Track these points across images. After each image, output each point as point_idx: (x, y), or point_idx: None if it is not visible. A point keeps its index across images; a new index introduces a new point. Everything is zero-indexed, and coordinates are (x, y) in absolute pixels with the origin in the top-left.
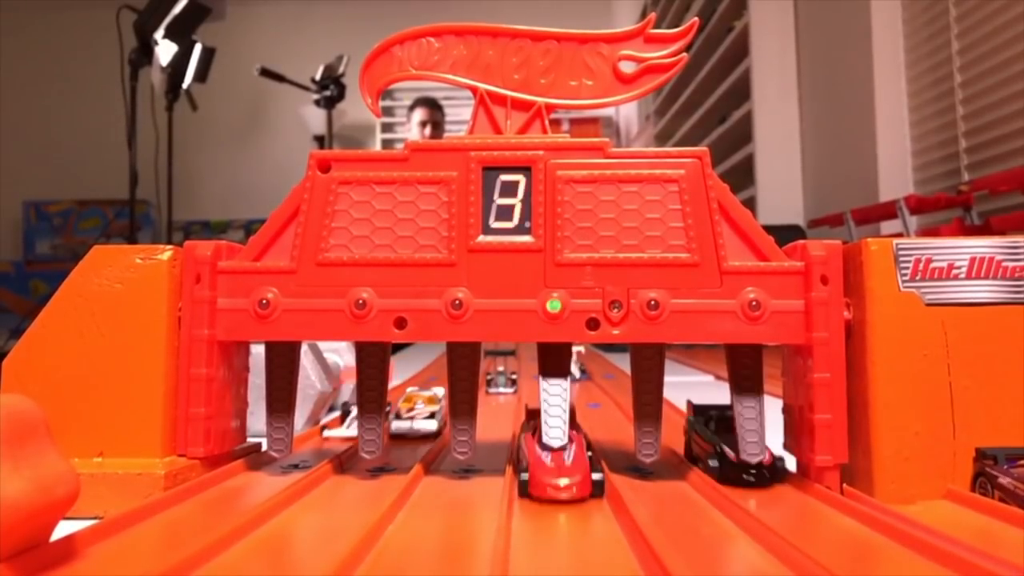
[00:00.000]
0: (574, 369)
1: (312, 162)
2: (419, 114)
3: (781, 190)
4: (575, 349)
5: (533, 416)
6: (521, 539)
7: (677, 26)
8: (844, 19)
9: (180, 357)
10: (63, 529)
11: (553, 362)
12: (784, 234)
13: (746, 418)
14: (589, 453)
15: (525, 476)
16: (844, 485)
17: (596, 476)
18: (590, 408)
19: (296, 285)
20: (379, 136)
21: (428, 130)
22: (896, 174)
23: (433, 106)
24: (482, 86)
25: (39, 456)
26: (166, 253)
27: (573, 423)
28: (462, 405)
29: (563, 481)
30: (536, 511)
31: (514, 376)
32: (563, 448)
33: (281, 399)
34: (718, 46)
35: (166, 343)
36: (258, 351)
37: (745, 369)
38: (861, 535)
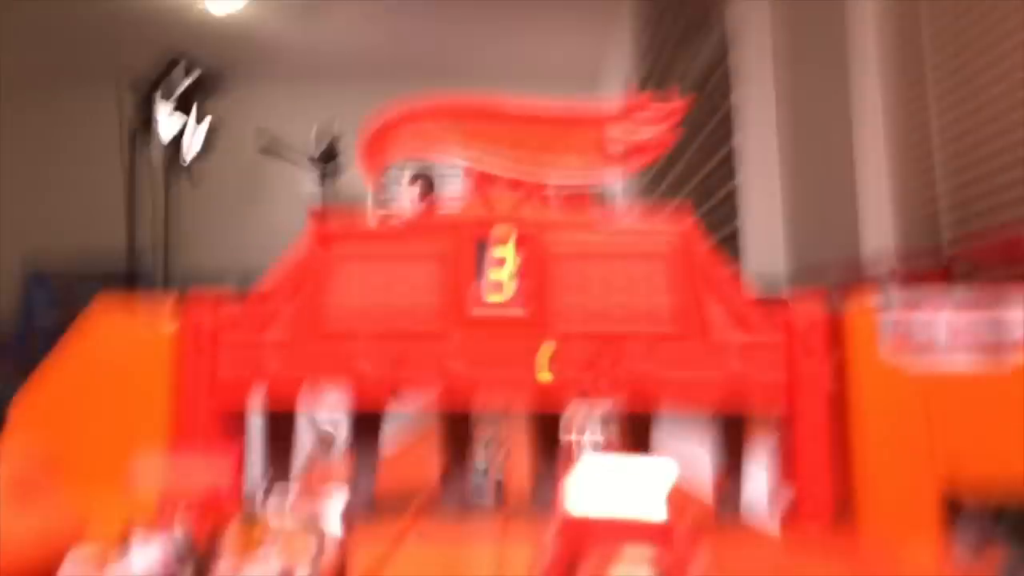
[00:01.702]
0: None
1: (312, 231)
2: (415, 189)
3: (766, 259)
4: (589, 440)
5: None
6: None
7: (663, 94)
8: (826, 90)
9: (180, 426)
10: None
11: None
12: (770, 305)
13: None
14: None
15: None
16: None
17: None
18: None
19: (296, 356)
20: (374, 201)
21: (421, 202)
22: (879, 242)
23: (427, 180)
24: (475, 165)
25: (47, 501)
26: (169, 327)
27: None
28: (456, 473)
29: None
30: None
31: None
32: None
33: (279, 467)
34: (706, 121)
35: (166, 412)
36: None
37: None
38: None
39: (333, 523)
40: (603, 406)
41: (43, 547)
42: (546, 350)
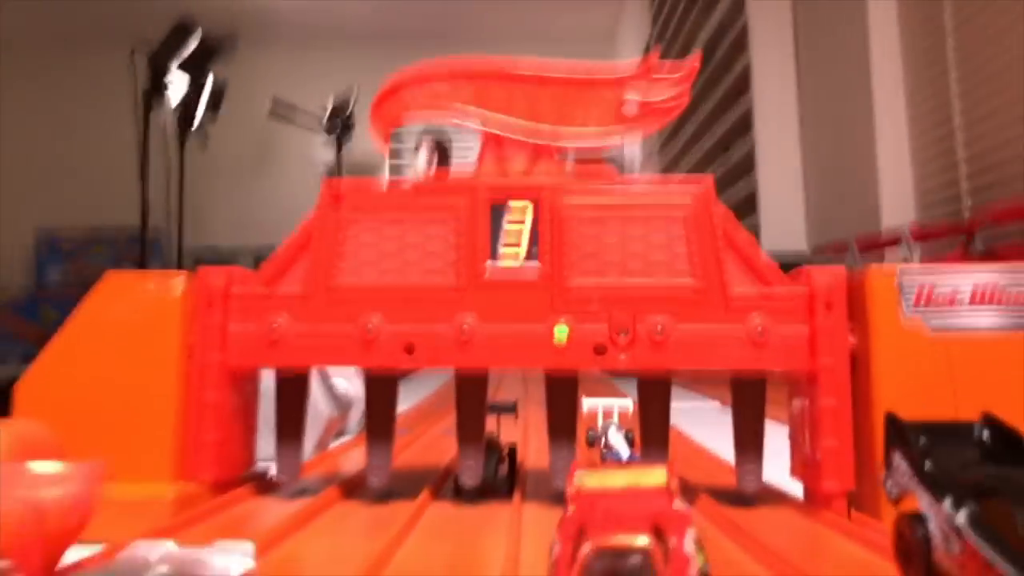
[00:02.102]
0: (618, 442)
1: (324, 193)
2: (427, 149)
3: (784, 219)
4: (615, 409)
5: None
6: (529, 565)
7: (681, 56)
8: (844, 51)
9: (191, 383)
10: (71, 555)
11: (561, 417)
12: (787, 263)
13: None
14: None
15: None
16: (851, 511)
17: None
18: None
19: (307, 311)
20: (387, 166)
21: (435, 164)
22: (898, 201)
23: (441, 140)
24: (489, 128)
25: (53, 482)
26: (179, 281)
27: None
28: (469, 432)
29: None
30: (543, 536)
31: (507, 454)
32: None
33: (290, 425)
34: (721, 80)
35: (178, 370)
36: (267, 379)
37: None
38: (868, 561)
39: None
40: (621, 407)
41: (49, 533)
42: (562, 329)
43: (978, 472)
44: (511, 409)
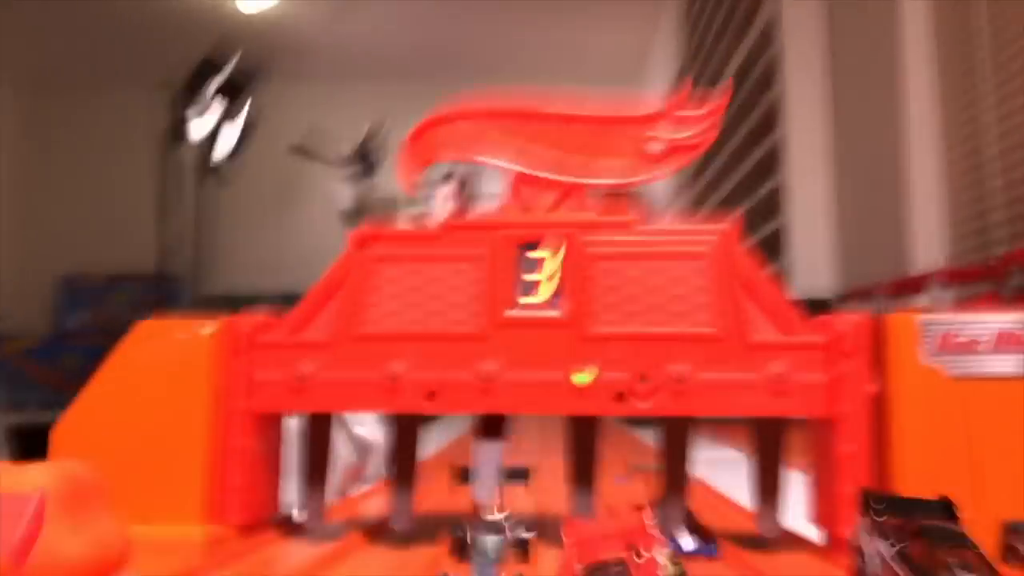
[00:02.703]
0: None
1: (351, 240)
2: (448, 190)
3: (813, 258)
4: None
5: None
6: None
7: (712, 84)
8: (876, 85)
9: (219, 429)
10: None
11: (582, 465)
12: (812, 308)
13: None
14: None
15: None
16: None
17: None
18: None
19: (332, 358)
20: (413, 206)
21: (455, 204)
22: (931, 242)
23: (461, 181)
24: (516, 167)
25: (95, 519)
26: (208, 329)
27: None
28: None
29: None
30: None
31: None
32: None
33: (316, 470)
34: (748, 116)
35: (207, 415)
36: (290, 424)
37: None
38: None
39: None
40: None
41: (90, 569)
42: (590, 372)
43: (914, 525)
44: (523, 476)
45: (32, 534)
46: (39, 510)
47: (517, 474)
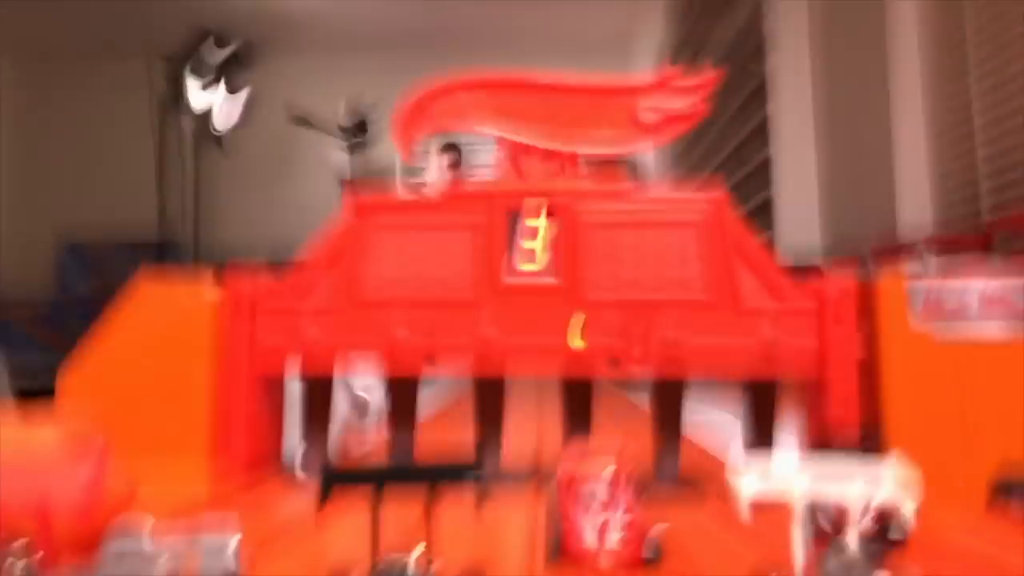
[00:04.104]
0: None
1: (348, 206)
2: (444, 159)
3: (800, 229)
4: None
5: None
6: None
7: (697, 62)
8: (863, 57)
9: (222, 390)
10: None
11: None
12: (803, 275)
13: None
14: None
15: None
16: None
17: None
18: None
19: (334, 323)
20: (408, 174)
21: (451, 173)
22: (917, 206)
23: (457, 150)
24: (509, 136)
25: (100, 470)
26: (212, 294)
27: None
28: (490, 439)
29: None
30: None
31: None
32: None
33: (316, 431)
34: (739, 89)
35: (209, 376)
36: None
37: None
38: None
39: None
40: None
41: (93, 510)
42: (577, 321)
43: None
44: (464, 474)
45: (100, 473)
46: (103, 452)
47: (449, 472)
